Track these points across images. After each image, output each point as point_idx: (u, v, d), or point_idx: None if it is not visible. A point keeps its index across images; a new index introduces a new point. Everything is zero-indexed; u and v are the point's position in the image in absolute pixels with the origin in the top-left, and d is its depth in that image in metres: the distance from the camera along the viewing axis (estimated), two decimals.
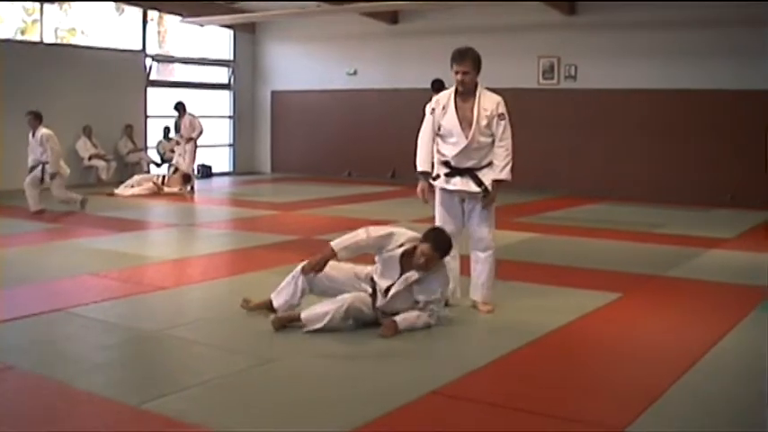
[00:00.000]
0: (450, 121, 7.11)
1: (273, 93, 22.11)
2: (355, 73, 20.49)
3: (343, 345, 6.11)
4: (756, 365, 5.92)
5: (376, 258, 6.65)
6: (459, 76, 7.08)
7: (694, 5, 15.68)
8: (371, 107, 19.85)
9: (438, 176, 7.23)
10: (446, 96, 7.23)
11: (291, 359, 5.85)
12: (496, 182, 7.18)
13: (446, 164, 7.21)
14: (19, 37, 18.91)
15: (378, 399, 5.03)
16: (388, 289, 6.50)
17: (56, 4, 18.63)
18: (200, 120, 17.50)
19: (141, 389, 5.20)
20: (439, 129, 7.19)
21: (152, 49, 20.59)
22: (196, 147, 17.35)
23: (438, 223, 7.26)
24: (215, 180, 20.54)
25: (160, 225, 13.18)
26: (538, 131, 17.86)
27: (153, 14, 20.63)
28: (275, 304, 6.75)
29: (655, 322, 7.11)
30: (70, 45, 19.23)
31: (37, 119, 13.88)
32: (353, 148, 20.18)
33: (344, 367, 5.67)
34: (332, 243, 6.56)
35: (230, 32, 22.01)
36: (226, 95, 22.29)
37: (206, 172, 20.64)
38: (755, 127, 15.50)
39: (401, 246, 6.50)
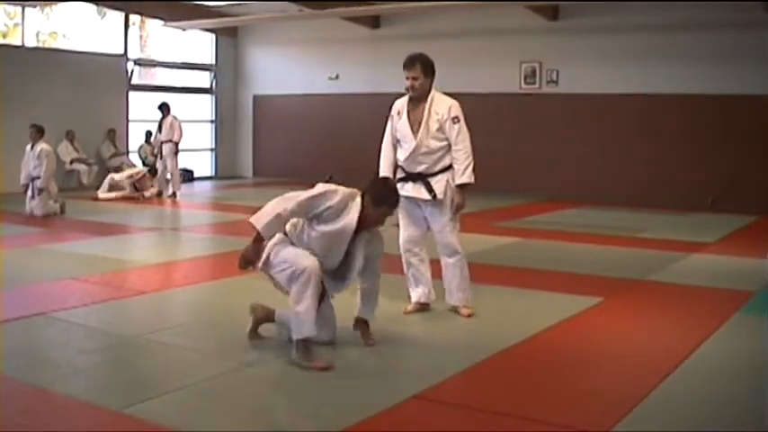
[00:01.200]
0: (403, 126, 7.17)
1: (255, 97, 22.11)
2: (337, 77, 20.50)
3: (324, 349, 6.10)
4: (738, 368, 5.97)
5: (308, 233, 5.96)
6: (409, 82, 7.11)
7: (675, 8, 15.75)
8: (353, 111, 19.84)
9: (397, 182, 7.15)
10: (402, 102, 7.29)
11: (273, 364, 5.84)
12: (460, 186, 7.09)
13: (402, 169, 7.27)
14: (0, 41, 18.85)
15: (360, 403, 5.03)
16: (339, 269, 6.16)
17: (38, 8, 18.56)
18: (183, 123, 17.48)
19: (123, 393, 5.19)
20: (396, 134, 7.27)
21: (134, 53, 20.56)
22: (177, 151, 17.31)
23: (402, 228, 7.37)
24: (197, 184, 20.51)
25: (142, 229, 13.15)
26: (520, 136, 17.96)
27: (135, 18, 20.60)
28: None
29: (636, 326, 7.14)
30: (52, 49, 19.19)
31: (39, 132, 13.92)
32: (335, 153, 20.15)
33: (324, 373, 5.65)
34: (251, 220, 5.81)
35: (212, 36, 22.00)
36: (208, 99, 22.27)
37: (188, 176, 20.60)
38: (736, 130, 15.60)
39: (333, 208, 5.85)
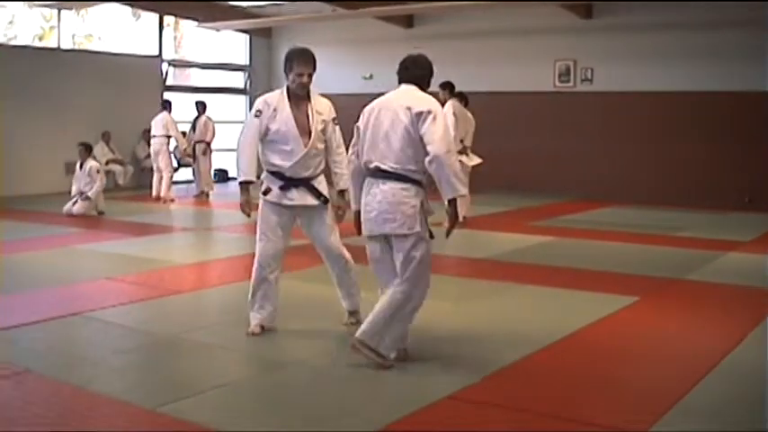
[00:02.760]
0: (286, 125, 6.44)
1: None
2: (371, 77, 20.47)
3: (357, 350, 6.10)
4: None
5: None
6: (303, 79, 6.50)
7: (712, 6, 15.61)
8: None
9: (268, 190, 6.49)
10: (276, 98, 6.55)
11: (306, 363, 5.85)
12: (341, 191, 6.60)
13: (278, 175, 6.49)
14: (37, 43, 19.02)
15: (395, 403, 5.02)
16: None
17: (73, 10, 18.70)
18: (217, 124, 17.55)
19: (157, 392, 5.21)
20: (266, 134, 6.46)
21: (168, 54, 20.68)
22: (211, 151, 17.37)
23: (262, 242, 6.57)
24: (231, 184, 20.56)
25: (176, 229, 13.22)
26: (554, 134, 17.85)
27: (169, 20, 20.72)
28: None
29: (672, 326, 7.08)
30: (87, 51, 19.35)
31: (87, 150, 14.08)
32: None
33: (361, 372, 5.64)
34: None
35: (246, 37, 22.05)
36: (242, 100, 22.33)
37: (222, 176, 20.67)
38: None
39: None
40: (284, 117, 6.45)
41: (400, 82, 6.04)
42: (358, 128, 5.88)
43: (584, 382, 5.57)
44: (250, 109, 6.65)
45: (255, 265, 6.58)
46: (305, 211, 6.62)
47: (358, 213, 5.87)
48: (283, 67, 6.62)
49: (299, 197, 6.52)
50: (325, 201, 6.59)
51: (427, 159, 5.55)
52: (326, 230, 6.67)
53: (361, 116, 5.91)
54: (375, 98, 6.05)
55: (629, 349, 6.40)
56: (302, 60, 6.55)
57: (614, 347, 6.44)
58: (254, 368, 5.77)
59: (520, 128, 18.23)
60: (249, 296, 6.61)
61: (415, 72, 6.05)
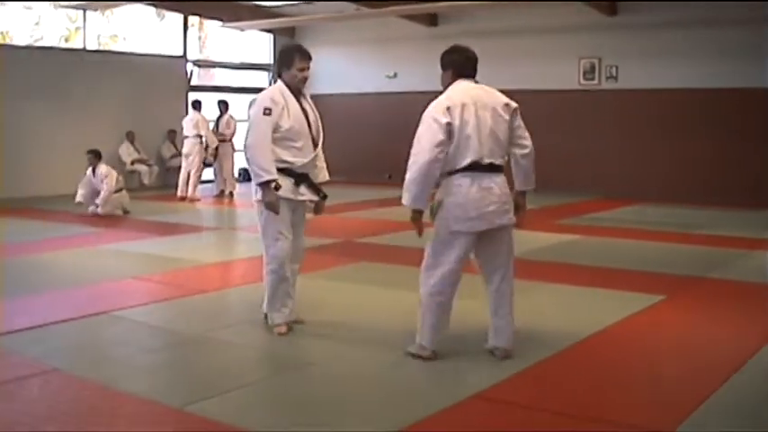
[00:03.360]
0: (299, 122, 6.47)
1: (313, 96, 22.02)
2: (395, 76, 20.48)
3: (383, 348, 6.10)
4: None
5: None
6: (306, 73, 6.54)
7: (736, 4, 15.50)
8: (411, 109, 19.57)
9: (279, 187, 6.31)
10: (281, 94, 6.47)
11: (332, 362, 5.86)
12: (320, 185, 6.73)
13: (287, 171, 6.40)
14: (62, 44, 19.12)
15: (419, 402, 5.02)
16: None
17: (98, 11, 18.79)
18: (240, 123, 17.59)
19: (184, 391, 5.24)
20: (275, 131, 6.35)
21: (193, 54, 20.74)
22: (234, 150, 17.42)
23: (280, 241, 6.40)
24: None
25: (201, 229, 13.26)
26: (579, 132, 17.80)
27: (193, 20, 20.78)
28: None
29: (698, 324, 7.04)
30: (112, 51, 19.43)
31: (97, 157, 14.13)
32: (394, 151, 19.99)
33: (385, 371, 5.66)
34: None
35: (270, 37, 22.08)
36: None
37: (246, 176, 20.70)
38: None
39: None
40: (295, 114, 6.46)
41: (466, 76, 5.95)
42: (449, 125, 5.61)
43: (610, 381, 5.55)
44: None
45: (273, 266, 6.43)
46: (299, 207, 6.62)
47: (421, 213, 5.76)
48: (280, 63, 6.58)
49: (308, 192, 6.57)
50: (324, 197, 6.65)
51: (523, 152, 5.94)
52: (303, 227, 6.73)
53: (446, 114, 5.64)
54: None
55: (656, 348, 6.37)
56: (304, 55, 6.55)
57: (641, 346, 6.41)
58: (279, 367, 5.78)
59: (544, 126, 18.08)
60: (267, 298, 6.52)
61: (476, 67, 6.05)
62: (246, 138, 6.36)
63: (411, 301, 6.23)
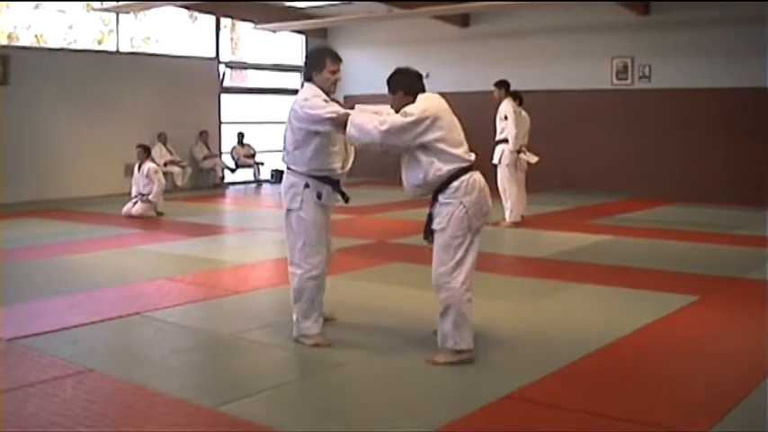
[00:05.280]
0: None
1: (346, 97, 22.17)
2: (428, 76, 20.38)
3: (415, 349, 6.10)
4: None
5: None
6: (338, 75, 6.45)
7: None
8: None
9: (320, 194, 6.28)
10: (321, 96, 6.30)
11: (363, 363, 5.86)
12: None
13: (325, 179, 6.31)
14: (95, 47, 19.26)
15: (452, 403, 5.02)
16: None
17: (131, 14, 18.91)
18: (274, 125, 17.68)
19: (216, 392, 5.25)
20: (318, 133, 6.20)
21: (225, 55, 20.84)
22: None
23: (317, 245, 6.32)
24: None
25: (234, 229, 13.32)
26: (611, 132, 17.72)
27: (226, 22, 20.87)
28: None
29: (733, 325, 6.98)
30: (145, 54, 19.54)
31: (146, 152, 14.22)
32: None
33: (418, 371, 5.65)
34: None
35: (302, 38, 22.14)
36: None
37: (278, 176, 20.76)
38: None
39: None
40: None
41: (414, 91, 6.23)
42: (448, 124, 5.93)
43: (643, 383, 5.51)
44: None
45: (317, 272, 6.29)
46: (330, 211, 6.56)
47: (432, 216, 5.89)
48: (312, 65, 6.40)
49: (336, 198, 6.49)
50: (347, 200, 6.58)
51: None
52: (331, 230, 6.68)
53: (437, 117, 5.89)
54: None
55: (689, 349, 6.32)
56: (335, 58, 6.44)
57: (674, 347, 6.36)
58: (311, 368, 5.78)
59: (577, 126, 18.13)
60: (303, 308, 6.32)
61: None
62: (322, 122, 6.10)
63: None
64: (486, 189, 5.89)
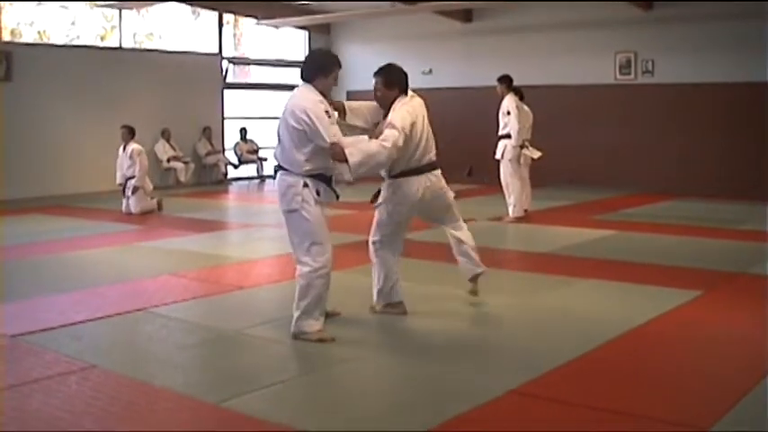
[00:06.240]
0: (333, 128, 6.44)
1: (349, 93, 22.18)
2: (431, 72, 20.45)
3: (419, 343, 6.10)
4: None
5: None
6: (336, 82, 6.62)
7: None
8: (447, 106, 19.74)
9: (319, 192, 6.39)
10: (323, 100, 6.51)
11: (368, 359, 5.87)
12: None
13: (321, 177, 6.44)
14: (98, 43, 19.26)
15: (457, 397, 5.01)
16: None
17: (134, 10, 18.92)
18: (276, 121, 17.66)
19: (220, 387, 5.26)
20: None
21: (228, 51, 20.83)
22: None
23: (324, 243, 6.37)
24: None
25: (237, 225, 13.31)
26: (615, 127, 17.70)
27: (229, 17, 20.86)
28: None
29: (736, 320, 6.97)
30: (148, 50, 19.54)
31: (130, 133, 14.23)
32: None
33: (421, 366, 5.66)
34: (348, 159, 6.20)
35: (305, 34, 22.13)
36: None
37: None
38: None
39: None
40: (330, 120, 6.39)
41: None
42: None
43: (647, 378, 5.51)
44: None
45: (326, 270, 6.31)
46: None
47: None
48: (317, 68, 6.47)
49: (331, 194, 6.55)
50: (337, 197, 6.62)
51: None
52: None
53: (415, 119, 6.62)
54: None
55: (693, 344, 6.32)
56: (339, 66, 6.57)
57: (678, 342, 6.36)
58: (315, 364, 5.78)
59: (580, 121, 18.11)
60: (307, 306, 6.29)
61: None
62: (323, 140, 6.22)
63: (448, 297, 6.22)
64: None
